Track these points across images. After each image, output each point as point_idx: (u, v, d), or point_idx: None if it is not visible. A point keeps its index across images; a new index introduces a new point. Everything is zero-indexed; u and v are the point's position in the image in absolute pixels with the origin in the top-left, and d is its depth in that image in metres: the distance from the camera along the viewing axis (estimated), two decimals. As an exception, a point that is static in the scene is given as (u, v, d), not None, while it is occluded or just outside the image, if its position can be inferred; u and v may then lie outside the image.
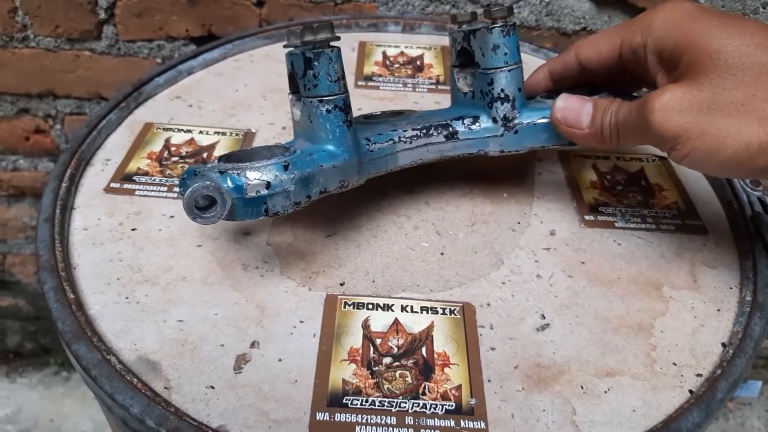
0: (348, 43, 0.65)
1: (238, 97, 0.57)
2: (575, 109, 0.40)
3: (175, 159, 0.50)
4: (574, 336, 0.39)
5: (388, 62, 0.63)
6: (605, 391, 0.36)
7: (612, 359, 0.38)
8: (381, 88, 0.59)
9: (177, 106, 0.56)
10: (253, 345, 0.37)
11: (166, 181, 0.47)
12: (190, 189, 0.35)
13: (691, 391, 0.36)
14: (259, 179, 0.36)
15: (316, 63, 0.37)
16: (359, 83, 0.60)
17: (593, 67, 0.42)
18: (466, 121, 0.43)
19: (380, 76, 0.61)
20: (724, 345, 0.39)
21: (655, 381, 0.37)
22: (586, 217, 0.46)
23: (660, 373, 0.37)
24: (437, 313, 0.40)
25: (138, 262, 0.42)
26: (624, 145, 0.40)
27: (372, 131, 0.42)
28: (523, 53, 0.64)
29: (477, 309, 0.40)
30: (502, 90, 0.42)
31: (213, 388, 0.35)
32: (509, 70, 0.41)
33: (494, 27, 0.41)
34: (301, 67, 0.38)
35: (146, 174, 0.48)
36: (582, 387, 0.36)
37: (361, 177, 0.40)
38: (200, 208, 0.35)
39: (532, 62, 0.63)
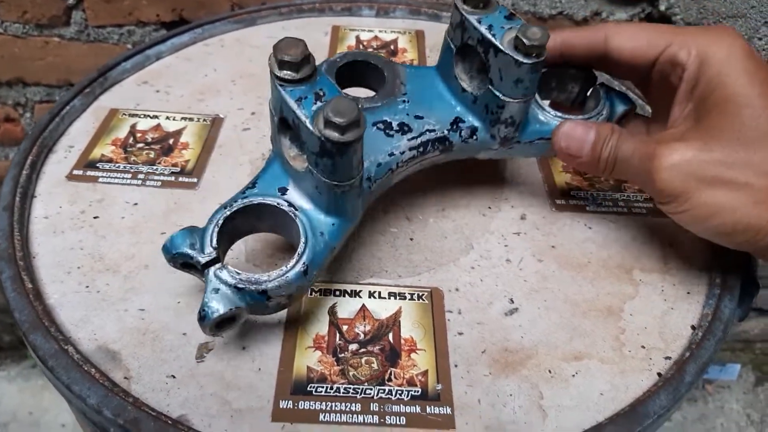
0: (321, 27, 0.64)
1: (207, 83, 0.56)
2: (580, 139, 0.38)
3: (140, 145, 0.48)
4: (543, 320, 0.38)
5: (361, 47, 0.62)
6: (573, 375, 0.36)
7: (580, 343, 0.37)
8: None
9: (144, 92, 0.55)
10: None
11: (131, 168, 0.46)
12: (213, 315, 0.32)
13: (659, 374, 0.36)
14: (279, 294, 0.34)
15: (344, 155, 0.32)
16: (331, 68, 0.59)
17: (620, 58, 0.39)
18: (463, 134, 0.40)
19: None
20: (693, 327, 0.38)
21: (623, 364, 0.36)
22: (557, 201, 0.46)
23: (628, 357, 0.37)
24: (405, 298, 0.39)
25: (100, 251, 0.41)
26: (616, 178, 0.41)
27: (373, 161, 0.38)
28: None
29: (445, 294, 0.39)
30: (511, 117, 0.39)
31: (174, 377, 0.34)
32: (524, 102, 0.39)
33: (525, 63, 0.36)
34: (316, 148, 0.33)
35: (110, 161, 0.47)
36: (550, 371, 0.36)
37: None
38: (219, 326, 0.34)
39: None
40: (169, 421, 0.32)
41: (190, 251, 0.34)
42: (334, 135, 0.31)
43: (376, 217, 0.44)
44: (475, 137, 0.41)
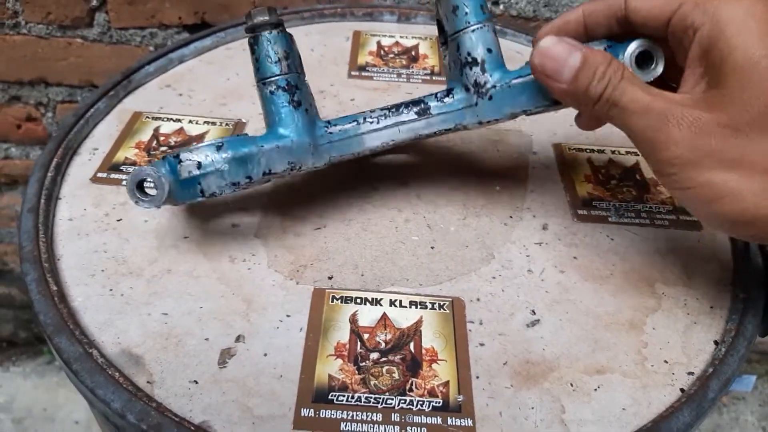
0: (342, 32, 0.64)
1: (229, 87, 0.56)
2: (558, 59, 0.34)
3: (163, 149, 0.49)
4: (565, 332, 0.38)
5: (382, 52, 0.62)
6: (595, 389, 0.35)
7: (602, 356, 0.37)
8: (374, 78, 0.58)
9: (167, 95, 0.55)
10: (238, 339, 0.37)
11: (154, 171, 0.47)
12: (131, 174, 0.37)
13: (682, 390, 0.36)
14: (190, 160, 0.37)
15: (255, 46, 0.38)
16: (353, 73, 0.59)
17: (637, 19, 0.35)
18: (439, 95, 0.41)
19: (374, 66, 0.60)
20: (716, 343, 0.38)
21: (645, 379, 0.36)
22: (579, 212, 0.45)
23: (651, 371, 0.36)
24: (426, 307, 0.39)
25: (123, 254, 0.41)
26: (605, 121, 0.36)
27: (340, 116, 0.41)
28: (518, 44, 0.64)
29: (467, 304, 0.39)
30: (469, 53, 0.39)
31: (197, 383, 0.35)
32: (473, 31, 0.38)
33: None
34: (250, 54, 0.39)
35: (134, 164, 0.47)
36: (571, 384, 0.36)
37: (317, 160, 0.39)
38: (142, 190, 0.37)
39: (528, 53, 0.62)
40: (192, 427, 0.32)
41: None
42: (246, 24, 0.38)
43: (397, 225, 0.44)
44: (451, 96, 0.41)
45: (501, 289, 0.40)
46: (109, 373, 0.34)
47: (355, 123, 0.40)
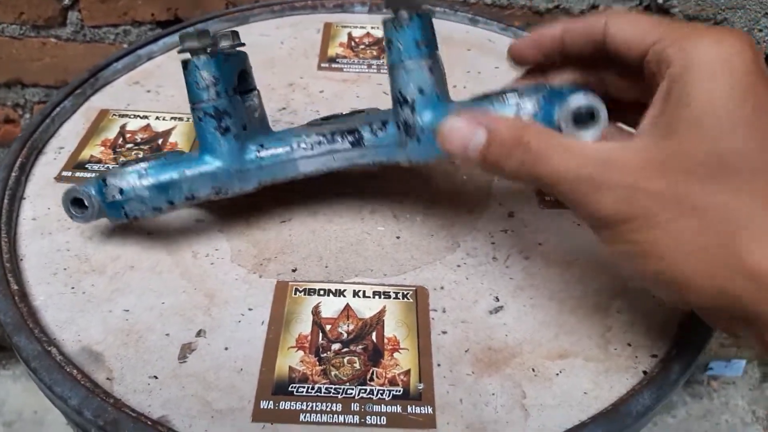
0: (313, 24, 0.64)
1: (197, 82, 0.56)
2: (463, 138, 0.32)
3: (129, 146, 0.49)
4: (528, 318, 0.38)
5: (353, 43, 0.61)
6: (557, 374, 0.35)
7: (566, 341, 0.37)
8: (345, 69, 0.58)
9: (135, 92, 0.55)
10: (199, 334, 0.37)
11: (119, 168, 0.46)
12: (65, 191, 0.39)
13: (644, 372, 0.36)
14: (114, 185, 0.38)
15: (185, 72, 0.38)
16: (323, 65, 0.58)
17: (614, 47, 0.33)
18: (374, 126, 0.38)
19: (345, 57, 0.60)
20: (681, 325, 0.38)
21: (608, 362, 0.36)
22: (546, 198, 0.45)
23: (614, 355, 0.36)
24: (390, 297, 0.39)
25: (86, 252, 0.41)
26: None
27: (275, 137, 0.40)
28: (491, 32, 0.63)
29: (430, 292, 0.39)
30: (400, 92, 0.36)
31: (156, 378, 0.34)
32: (405, 69, 0.36)
33: (386, 20, 0.36)
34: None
35: (99, 162, 0.47)
36: (533, 370, 0.35)
37: (245, 184, 0.39)
38: (76, 207, 0.39)
39: (501, 41, 0.62)
40: (149, 422, 0.32)
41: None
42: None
43: (363, 215, 0.44)
44: (384, 130, 0.38)
45: (465, 277, 0.40)
46: (68, 370, 0.34)
47: (288, 148, 0.39)
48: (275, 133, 0.41)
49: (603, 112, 0.32)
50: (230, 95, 0.38)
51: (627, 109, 0.35)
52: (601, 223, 0.30)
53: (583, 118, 0.33)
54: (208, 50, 0.38)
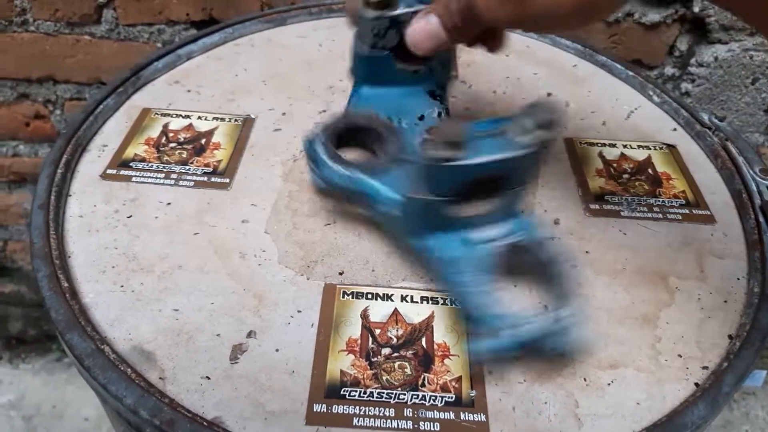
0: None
1: (237, 83, 0.56)
2: (425, 30, 0.38)
3: (173, 145, 0.49)
4: (578, 327, 0.38)
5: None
6: (608, 384, 0.35)
7: (616, 351, 0.37)
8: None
9: (175, 92, 0.55)
10: (249, 335, 0.37)
11: (164, 167, 0.47)
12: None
13: (696, 384, 0.35)
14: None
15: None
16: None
17: None
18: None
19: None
20: (731, 337, 0.38)
21: (659, 373, 0.36)
22: (591, 206, 0.45)
23: (665, 366, 0.36)
24: (438, 303, 0.39)
25: (133, 250, 0.41)
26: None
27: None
28: (528, 38, 0.63)
29: (478, 299, 0.39)
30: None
31: (209, 378, 0.34)
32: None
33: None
34: None
35: (143, 160, 0.47)
36: (585, 379, 0.35)
37: None
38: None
39: (537, 47, 0.61)
40: (205, 423, 0.32)
41: None
42: None
43: (407, 220, 0.44)
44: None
45: (513, 285, 0.40)
46: (121, 369, 0.34)
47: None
48: None
49: None
50: None
51: None
52: None
53: None
54: None
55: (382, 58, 0.43)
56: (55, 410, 1.10)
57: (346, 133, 0.43)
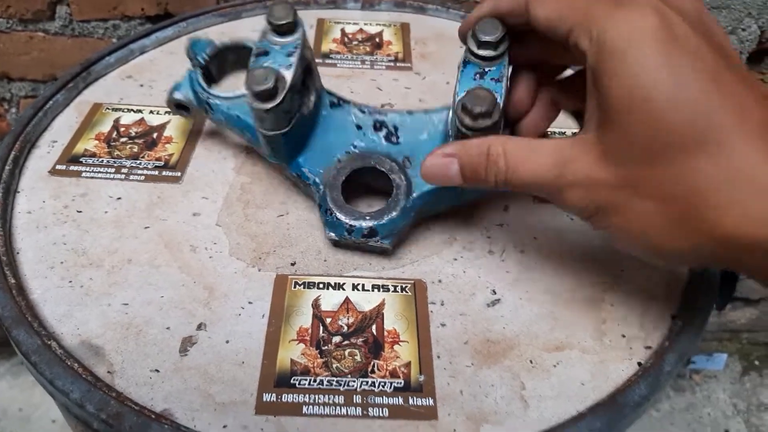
0: (306, 20, 0.63)
1: (191, 77, 0.56)
2: (443, 172, 0.35)
3: (124, 140, 0.48)
4: (525, 311, 0.38)
5: (346, 39, 0.62)
6: (554, 365, 0.36)
7: (562, 333, 0.38)
8: (338, 65, 0.58)
9: (128, 86, 0.54)
10: (199, 327, 0.37)
11: (114, 162, 0.46)
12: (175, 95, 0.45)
13: (639, 364, 0.36)
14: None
15: None
16: (316, 61, 0.58)
17: (539, 30, 0.33)
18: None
19: (338, 53, 0.60)
20: (673, 317, 0.39)
21: (603, 354, 0.37)
22: (541, 193, 0.46)
23: (609, 347, 0.37)
24: (389, 290, 0.39)
25: (83, 245, 0.41)
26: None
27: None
28: (452, 21, 0.64)
29: (428, 285, 0.39)
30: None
31: (158, 371, 0.34)
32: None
33: None
34: None
35: (94, 155, 0.47)
36: (531, 361, 0.36)
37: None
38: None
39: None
40: (153, 416, 0.32)
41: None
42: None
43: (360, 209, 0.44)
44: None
45: (462, 270, 0.41)
46: (68, 364, 0.34)
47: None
48: None
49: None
50: None
51: None
52: (577, 214, 0.32)
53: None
54: None
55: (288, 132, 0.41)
56: (21, 413, 1.08)
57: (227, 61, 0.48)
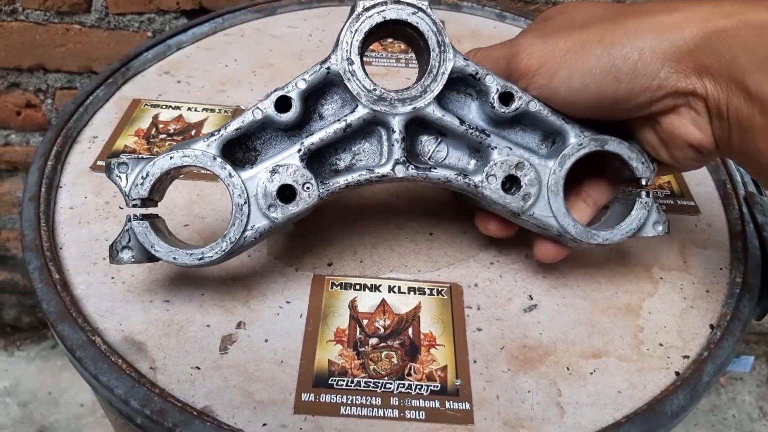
0: (340, 16, 0.63)
1: (227, 73, 0.56)
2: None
3: (162, 136, 0.49)
4: (562, 317, 0.38)
5: (380, 37, 0.61)
6: (591, 373, 0.36)
7: (599, 340, 0.37)
8: (374, 63, 0.58)
9: (166, 82, 0.55)
10: (239, 325, 0.37)
11: (154, 159, 0.47)
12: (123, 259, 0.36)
13: (677, 373, 0.36)
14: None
15: None
16: (351, 59, 0.59)
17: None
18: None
19: (373, 51, 0.60)
20: (712, 327, 0.39)
21: (641, 362, 0.37)
22: (577, 197, 0.46)
23: (646, 355, 0.37)
24: (425, 293, 0.39)
25: (124, 242, 0.41)
26: None
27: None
28: (518, 27, 0.63)
29: (464, 289, 0.40)
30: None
31: (198, 368, 0.35)
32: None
33: None
34: None
35: (133, 152, 0.47)
36: (568, 368, 0.36)
37: None
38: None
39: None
40: (195, 412, 0.33)
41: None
42: None
43: (396, 212, 0.44)
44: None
45: (499, 275, 0.41)
46: (112, 359, 0.34)
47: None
48: None
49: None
50: None
51: None
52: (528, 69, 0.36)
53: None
54: None
55: None
56: (50, 396, 1.11)
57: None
